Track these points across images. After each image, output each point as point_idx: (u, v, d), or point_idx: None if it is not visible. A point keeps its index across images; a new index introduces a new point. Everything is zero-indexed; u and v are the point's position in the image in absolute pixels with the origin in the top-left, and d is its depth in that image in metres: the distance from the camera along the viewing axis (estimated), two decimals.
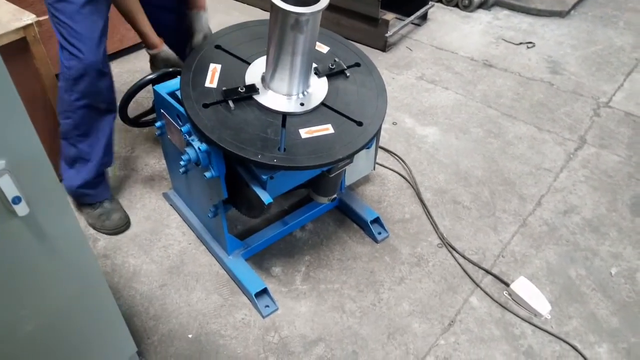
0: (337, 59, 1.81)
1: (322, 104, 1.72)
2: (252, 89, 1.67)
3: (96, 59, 1.79)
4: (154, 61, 2.03)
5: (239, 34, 1.87)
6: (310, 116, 1.69)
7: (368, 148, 1.75)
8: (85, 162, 2.03)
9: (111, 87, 1.94)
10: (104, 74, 1.86)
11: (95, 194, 2.13)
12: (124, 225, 2.15)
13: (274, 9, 1.49)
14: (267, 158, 1.53)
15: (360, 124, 1.70)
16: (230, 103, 1.62)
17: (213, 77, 1.69)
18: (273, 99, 1.67)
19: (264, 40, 1.77)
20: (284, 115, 1.65)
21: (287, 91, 1.68)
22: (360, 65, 1.86)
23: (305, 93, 1.71)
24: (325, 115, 1.70)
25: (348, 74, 1.80)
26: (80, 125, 1.94)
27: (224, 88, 1.64)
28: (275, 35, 1.56)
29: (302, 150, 1.58)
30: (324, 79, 1.77)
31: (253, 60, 1.77)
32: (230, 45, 1.80)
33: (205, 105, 1.61)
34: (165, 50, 1.98)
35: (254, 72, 1.73)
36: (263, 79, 1.71)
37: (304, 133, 1.63)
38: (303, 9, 1.48)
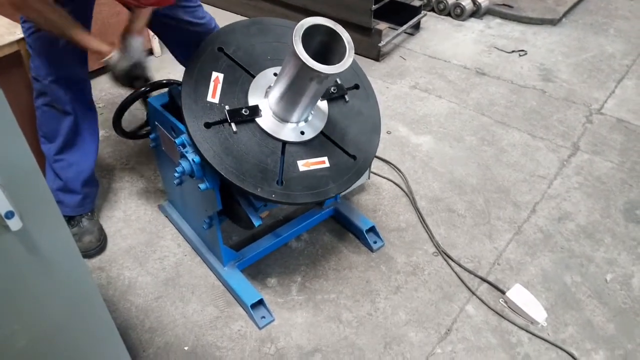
0: (338, 80, 1.78)
1: (321, 132, 1.71)
2: (255, 111, 1.63)
3: (44, 68, 1.82)
4: (113, 72, 1.81)
5: (243, 33, 1.76)
6: (309, 146, 1.68)
7: None
8: (60, 162, 2.01)
9: (67, 90, 1.89)
10: (56, 79, 1.85)
11: (71, 204, 2.07)
12: (95, 249, 2.08)
13: (295, 57, 1.44)
14: (266, 192, 1.55)
15: (354, 157, 1.72)
16: (233, 126, 1.59)
17: (215, 89, 1.63)
18: (275, 124, 1.65)
19: (269, 45, 1.74)
20: (284, 143, 1.65)
21: (289, 119, 1.65)
22: (359, 87, 1.84)
23: (307, 120, 1.70)
24: (322, 145, 1.70)
25: (347, 99, 1.80)
26: (42, 123, 1.95)
27: (227, 108, 1.60)
28: (290, 76, 1.53)
29: (298, 186, 1.60)
30: (325, 102, 1.75)
31: (258, 73, 1.70)
32: (233, 48, 1.71)
33: (207, 125, 1.57)
34: (115, 56, 1.78)
35: (258, 87, 1.68)
36: (267, 93, 1.67)
37: (302, 165, 1.64)
38: (327, 69, 1.44)
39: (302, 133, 1.68)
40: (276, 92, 1.62)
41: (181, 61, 2.24)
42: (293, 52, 1.43)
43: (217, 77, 1.65)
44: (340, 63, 1.47)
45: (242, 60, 1.70)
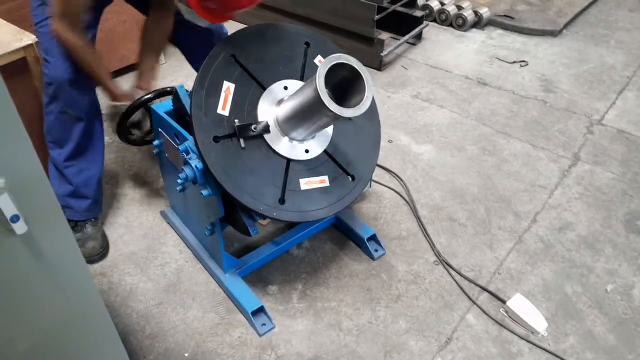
0: None
1: (324, 151, 1.73)
2: (264, 128, 1.63)
3: (62, 72, 1.83)
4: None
5: (256, 40, 1.72)
6: (312, 164, 1.70)
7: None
8: (70, 167, 2.02)
9: (82, 96, 1.92)
10: (73, 83, 1.86)
11: (77, 208, 2.08)
12: (97, 255, 2.09)
13: (315, 92, 1.44)
14: (268, 210, 1.57)
15: (353, 177, 1.74)
16: (242, 142, 1.59)
17: (225, 101, 1.61)
18: (282, 142, 1.66)
19: (282, 55, 1.74)
20: (289, 161, 1.66)
21: (295, 137, 1.67)
22: None
23: (312, 138, 1.72)
24: (324, 164, 1.72)
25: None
26: (52, 129, 1.95)
27: (237, 123, 1.59)
28: (306, 105, 1.54)
29: (299, 204, 1.62)
30: None
31: (269, 85, 1.68)
32: (246, 56, 1.68)
33: (216, 139, 1.57)
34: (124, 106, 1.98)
35: (268, 101, 1.67)
36: (277, 106, 1.67)
37: (304, 184, 1.66)
38: (345, 112, 1.45)
39: (307, 151, 1.70)
40: (288, 111, 1.62)
41: (192, 63, 2.27)
42: (314, 88, 1.44)
43: (228, 87, 1.62)
44: (358, 106, 1.48)
45: (253, 70, 1.68)
